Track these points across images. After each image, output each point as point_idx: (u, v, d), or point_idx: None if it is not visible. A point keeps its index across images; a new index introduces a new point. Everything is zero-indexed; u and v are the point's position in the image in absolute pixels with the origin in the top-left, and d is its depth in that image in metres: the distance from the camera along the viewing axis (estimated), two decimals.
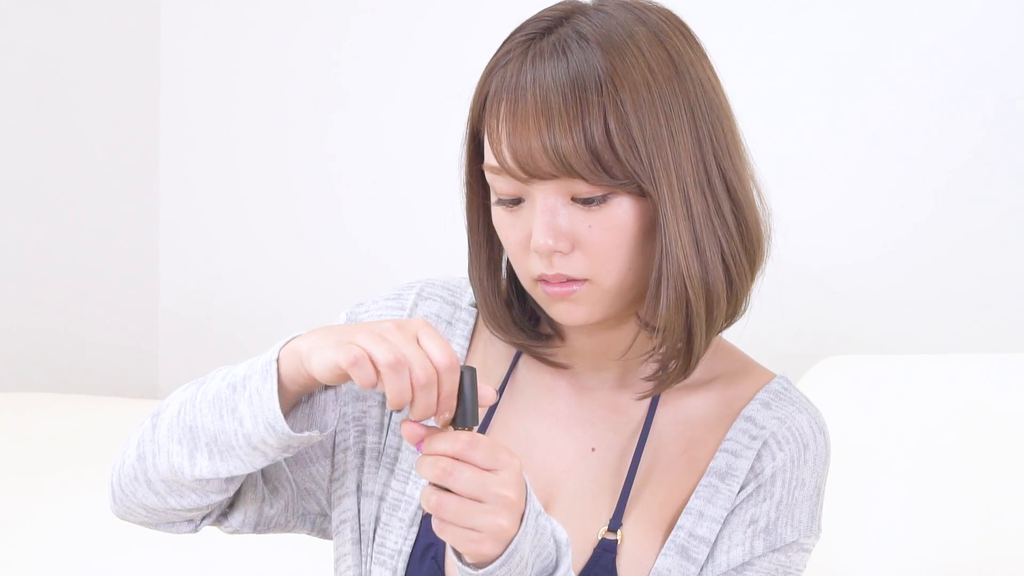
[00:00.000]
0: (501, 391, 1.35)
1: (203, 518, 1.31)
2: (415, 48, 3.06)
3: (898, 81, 2.52)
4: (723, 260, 1.21)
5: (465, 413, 1.10)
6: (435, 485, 1.10)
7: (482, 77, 1.23)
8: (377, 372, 1.09)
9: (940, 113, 2.48)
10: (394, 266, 3.06)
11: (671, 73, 1.19)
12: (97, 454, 2.38)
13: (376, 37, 3.12)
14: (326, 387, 1.21)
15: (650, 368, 1.27)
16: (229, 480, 1.24)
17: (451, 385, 1.10)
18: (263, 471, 1.34)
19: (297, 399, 1.19)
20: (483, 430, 1.33)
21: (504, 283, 1.31)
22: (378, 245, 3.13)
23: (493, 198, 1.23)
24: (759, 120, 2.55)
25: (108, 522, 2.24)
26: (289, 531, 1.38)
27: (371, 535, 1.32)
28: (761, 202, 1.26)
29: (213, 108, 3.36)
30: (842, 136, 2.58)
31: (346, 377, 1.12)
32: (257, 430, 1.16)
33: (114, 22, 3.29)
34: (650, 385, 1.27)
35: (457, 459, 1.09)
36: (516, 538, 1.11)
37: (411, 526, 1.30)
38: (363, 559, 1.32)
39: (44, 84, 3.16)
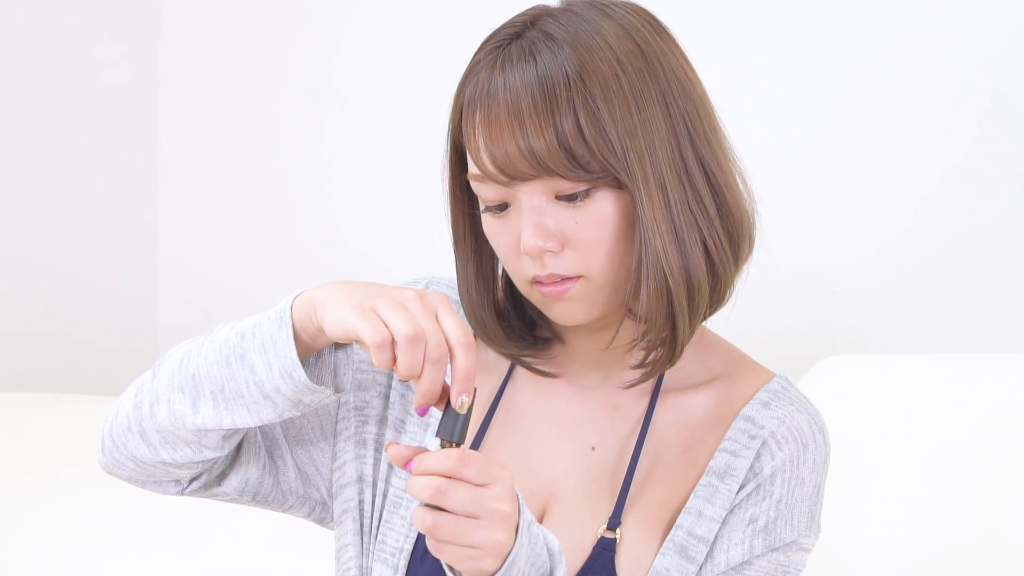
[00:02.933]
0: (501, 391, 1.35)
1: (191, 480, 1.30)
2: (413, 48, 3.06)
3: (895, 78, 2.52)
4: (704, 247, 1.22)
5: (455, 426, 1.10)
6: (427, 505, 1.09)
7: (457, 88, 1.24)
8: (393, 347, 1.09)
9: (939, 112, 2.48)
10: (393, 268, 3.06)
11: (641, 64, 1.20)
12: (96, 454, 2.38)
13: (373, 38, 3.12)
14: (333, 347, 1.21)
15: (636, 357, 1.27)
16: (227, 437, 1.23)
17: (468, 363, 1.10)
18: (265, 446, 1.34)
19: (306, 354, 1.18)
20: (483, 429, 1.33)
21: (500, 292, 1.32)
22: (376, 247, 3.13)
23: (481, 206, 1.25)
24: (757, 119, 2.56)
25: (108, 522, 2.24)
26: (286, 510, 1.37)
27: (371, 528, 1.32)
28: (745, 187, 1.27)
29: (213, 110, 3.36)
30: (841, 136, 2.58)
31: (354, 339, 1.12)
32: (271, 377, 1.15)
33: (114, 22, 3.29)
34: (637, 374, 1.27)
35: (449, 477, 1.08)
36: (513, 551, 1.11)
37: (412, 524, 1.30)
38: (364, 551, 1.32)
39: (44, 84, 3.16)
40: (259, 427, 1.33)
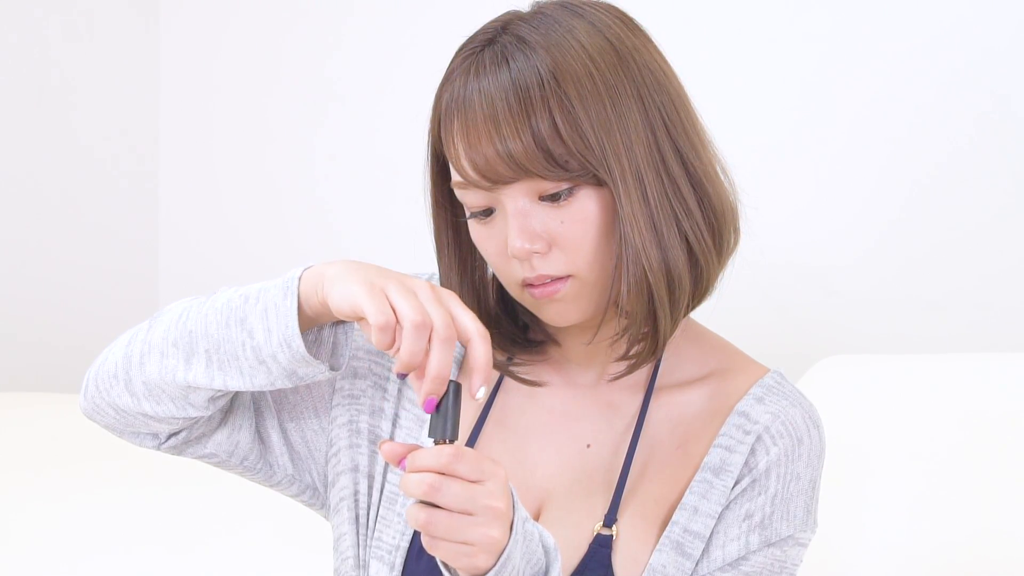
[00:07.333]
0: (496, 388, 1.36)
1: (169, 436, 1.30)
2: (410, 48, 3.06)
3: (891, 73, 2.52)
4: (685, 240, 1.22)
5: (447, 424, 1.10)
6: (422, 502, 1.09)
7: (435, 98, 1.25)
8: (395, 332, 1.10)
9: (937, 109, 2.48)
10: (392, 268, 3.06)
11: (614, 60, 1.21)
12: (96, 454, 2.38)
13: (370, 39, 3.13)
14: (333, 325, 1.21)
15: (619, 350, 1.27)
16: (214, 399, 1.23)
17: (485, 353, 1.10)
18: (255, 416, 1.34)
19: (307, 327, 1.19)
20: (478, 428, 1.34)
21: (492, 299, 1.32)
22: (375, 247, 3.13)
23: (467, 213, 1.25)
24: (754, 116, 2.56)
25: (107, 522, 2.24)
26: (274, 485, 1.37)
27: (367, 520, 1.32)
28: (727, 178, 1.27)
29: (212, 114, 3.37)
30: (841, 134, 2.58)
31: (359, 318, 1.12)
32: (269, 344, 1.16)
33: (114, 22, 3.29)
34: (622, 366, 1.28)
35: (443, 474, 1.08)
36: (508, 547, 1.11)
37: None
38: (360, 542, 1.32)
39: (44, 84, 3.16)
40: (252, 396, 1.34)
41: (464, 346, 1.12)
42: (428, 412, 1.10)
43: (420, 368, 1.11)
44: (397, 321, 1.10)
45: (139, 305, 3.37)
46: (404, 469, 1.10)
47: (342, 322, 1.25)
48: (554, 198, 1.20)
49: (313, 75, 3.24)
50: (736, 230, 1.27)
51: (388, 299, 1.11)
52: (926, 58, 2.48)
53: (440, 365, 1.09)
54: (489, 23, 1.25)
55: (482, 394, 1.10)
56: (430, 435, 1.10)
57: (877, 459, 2.02)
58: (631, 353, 1.26)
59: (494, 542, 1.10)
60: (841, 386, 2.15)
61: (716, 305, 1.30)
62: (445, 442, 1.10)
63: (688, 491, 1.27)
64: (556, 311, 1.24)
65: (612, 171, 1.19)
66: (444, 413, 1.10)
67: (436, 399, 1.10)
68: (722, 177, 1.26)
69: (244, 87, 3.33)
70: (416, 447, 1.11)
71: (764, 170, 2.55)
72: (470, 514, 1.09)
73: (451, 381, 1.11)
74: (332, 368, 1.21)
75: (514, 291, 1.25)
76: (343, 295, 1.12)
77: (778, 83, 2.61)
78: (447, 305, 1.12)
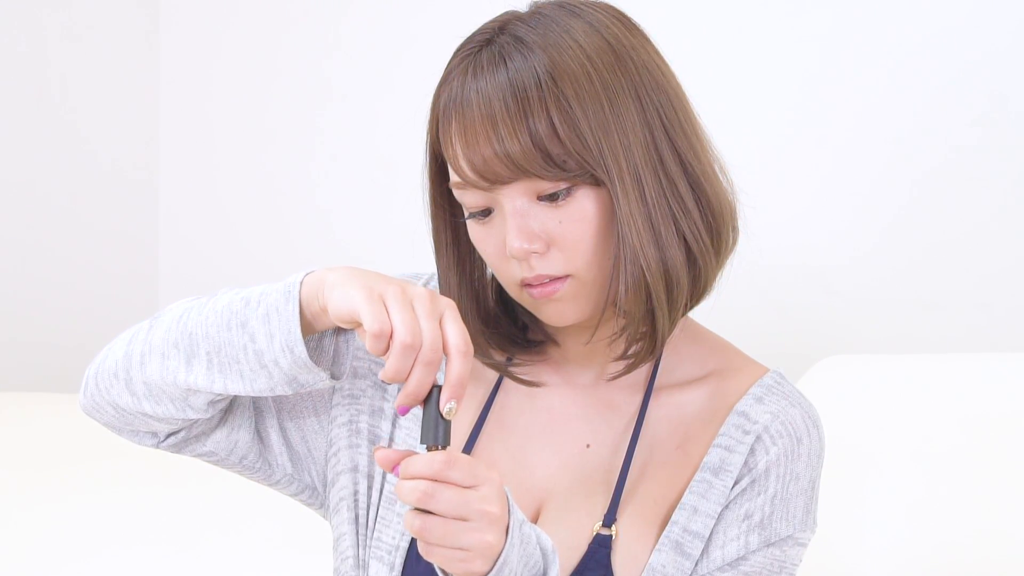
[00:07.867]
0: (496, 389, 1.36)
1: (168, 435, 1.30)
2: (410, 47, 3.06)
3: (890, 72, 2.52)
4: (683, 239, 1.22)
5: (438, 430, 1.10)
6: (417, 508, 1.09)
7: (433, 98, 1.25)
8: (389, 340, 1.10)
9: (936, 108, 2.48)
10: (392, 270, 3.06)
11: (611, 60, 1.21)
12: (96, 454, 2.39)
13: (370, 39, 3.13)
14: (334, 333, 1.21)
15: (618, 350, 1.27)
16: (213, 403, 1.23)
17: (463, 371, 1.10)
18: (255, 416, 1.34)
19: (306, 333, 1.19)
20: (478, 428, 1.33)
21: (491, 300, 1.32)
22: (375, 247, 3.13)
23: (465, 214, 1.25)
24: (753, 117, 2.56)
25: (107, 521, 2.25)
26: (273, 484, 1.37)
27: (367, 520, 1.32)
28: (725, 178, 1.27)
29: (213, 116, 3.37)
30: (841, 137, 2.58)
31: (356, 324, 1.12)
32: (271, 349, 1.16)
33: (114, 22, 3.30)
34: (620, 365, 1.28)
35: (436, 480, 1.08)
36: (504, 552, 1.12)
37: None
38: (360, 542, 1.32)
39: (44, 84, 3.16)
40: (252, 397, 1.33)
41: (445, 357, 1.12)
42: (401, 415, 1.11)
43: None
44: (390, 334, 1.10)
45: (139, 305, 3.37)
46: (398, 475, 1.11)
47: (343, 330, 1.25)
48: (552, 198, 1.20)
49: (313, 75, 3.24)
50: (735, 229, 1.27)
51: (386, 308, 1.11)
52: (926, 58, 2.48)
53: (417, 385, 1.10)
54: (487, 23, 1.25)
55: (449, 409, 1.10)
56: (422, 442, 1.10)
57: (877, 459, 2.02)
58: (629, 353, 1.26)
59: (489, 547, 1.10)
60: (841, 386, 2.15)
61: (715, 305, 1.30)
62: (437, 448, 1.10)
63: (688, 491, 1.27)
64: (555, 311, 1.24)
65: (610, 171, 1.19)
66: (434, 419, 1.10)
67: (408, 408, 1.11)
68: (720, 177, 1.26)
69: (244, 87, 3.33)
70: (410, 453, 1.11)
71: (764, 170, 2.55)
72: (464, 520, 1.09)
73: (438, 387, 1.11)
74: (333, 376, 1.21)
75: (513, 291, 1.26)
76: (342, 300, 1.12)
77: (777, 83, 2.61)
78: (441, 315, 1.11)
